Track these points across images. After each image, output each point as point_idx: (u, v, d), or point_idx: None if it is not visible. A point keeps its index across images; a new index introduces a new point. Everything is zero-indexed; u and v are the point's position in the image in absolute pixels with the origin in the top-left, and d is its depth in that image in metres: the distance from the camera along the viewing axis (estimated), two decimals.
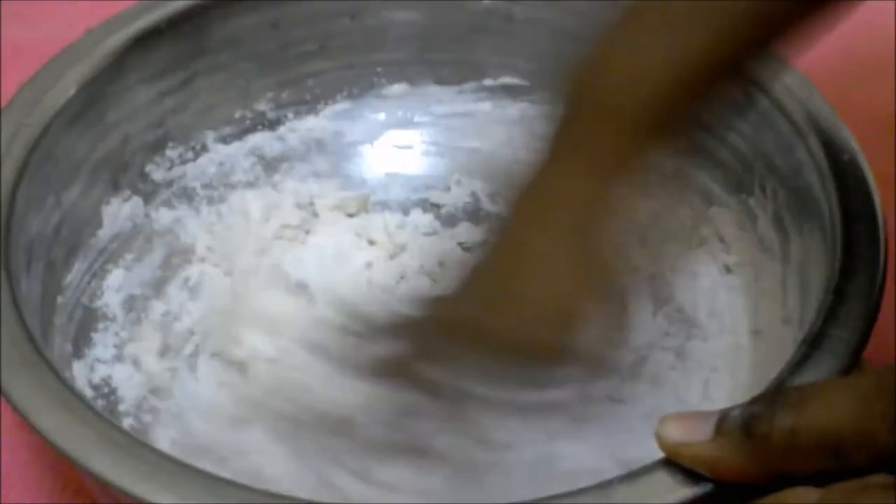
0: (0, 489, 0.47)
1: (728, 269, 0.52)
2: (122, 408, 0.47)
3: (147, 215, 0.53)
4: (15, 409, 0.36)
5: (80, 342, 0.48)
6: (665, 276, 0.51)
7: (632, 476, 0.34)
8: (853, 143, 0.45)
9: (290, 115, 0.57)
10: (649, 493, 0.33)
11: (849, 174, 0.44)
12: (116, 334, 0.49)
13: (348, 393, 0.43)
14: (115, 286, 0.51)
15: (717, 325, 0.50)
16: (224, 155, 0.56)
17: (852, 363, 0.37)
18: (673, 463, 0.33)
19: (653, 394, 0.47)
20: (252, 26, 0.54)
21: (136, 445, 0.35)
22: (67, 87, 0.47)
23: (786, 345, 0.43)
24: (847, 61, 0.64)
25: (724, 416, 0.32)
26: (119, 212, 0.51)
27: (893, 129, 0.59)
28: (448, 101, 0.58)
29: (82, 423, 0.35)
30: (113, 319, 0.50)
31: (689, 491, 0.33)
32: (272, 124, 0.57)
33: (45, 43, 0.61)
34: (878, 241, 0.41)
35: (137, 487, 0.33)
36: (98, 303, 0.50)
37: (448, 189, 0.57)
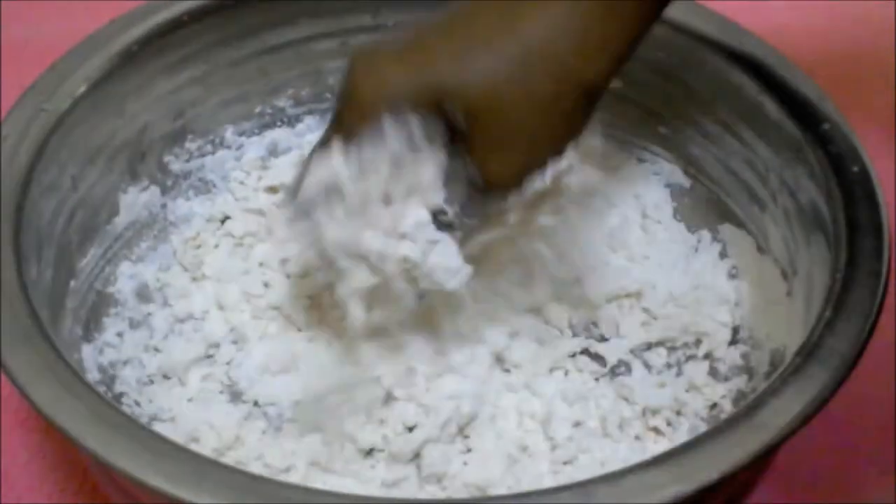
0: (0, 489, 0.48)
1: (735, 278, 0.51)
2: (127, 391, 0.47)
3: (164, 205, 0.54)
4: (13, 382, 0.36)
5: (91, 326, 0.49)
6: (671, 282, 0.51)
7: (613, 476, 0.34)
8: (864, 154, 0.45)
9: (310, 112, 0.58)
10: (630, 493, 0.33)
11: (857, 186, 0.44)
12: (127, 319, 0.50)
13: None
14: (129, 273, 0.52)
15: (722, 332, 0.50)
16: (242, 149, 0.57)
17: (845, 375, 0.37)
18: (654, 464, 0.34)
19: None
20: (274, 21, 0.54)
21: (129, 423, 0.36)
22: (88, 75, 0.48)
23: (787, 353, 0.43)
24: (847, 61, 0.63)
25: None
26: (136, 200, 0.52)
27: (893, 129, 0.59)
28: None
29: (77, 398, 0.36)
30: (125, 305, 0.51)
31: (669, 492, 0.33)
32: (291, 120, 0.58)
33: (45, 43, 0.62)
34: (882, 254, 0.41)
35: (125, 463, 0.34)
36: (111, 288, 0.51)
37: None
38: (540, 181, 0.41)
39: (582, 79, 0.39)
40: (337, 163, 0.40)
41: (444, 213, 0.41)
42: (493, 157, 0.40)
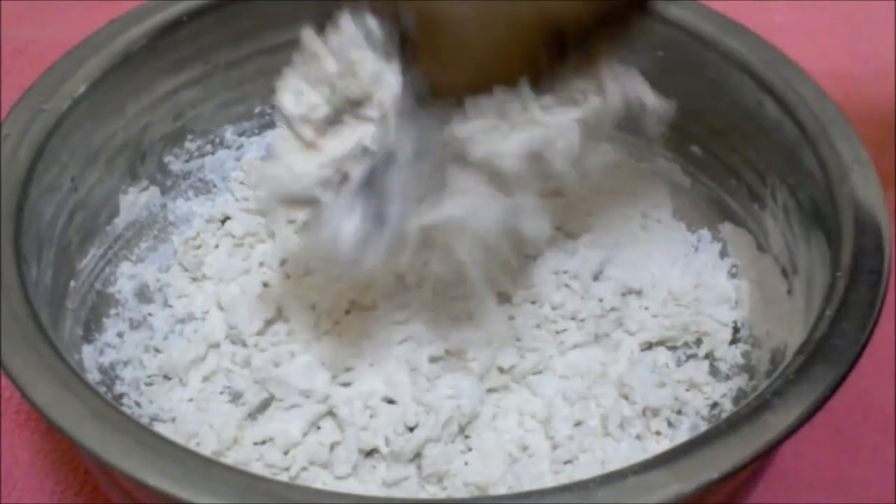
0: (0, 489, 0.48)
1: (735, 277, 0.51)
2: (127, 391, 0.47)
3: (164, 205, 0.54)
4: (13, 383, 0.36)
5: (92, 326, 0.49)
6: (671, 281, 0.51)
7: (614, 476, 0.34)
8: (864, 152, 0.45)
9: None
10: (631, 493, 0.33)
11: (857, 184, 0.43)
12: (128, 320, 0.50)
13: None
14: (129, 273, 0.52)
15: (723, 331, 0.50)
16: (242, 149, 0.57)
17: (846, 374, 0.37)
18: (653, 464, 0.33)
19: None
20: (273, 21, 0.54)
21: (129, 423, 0.36)
22: (87, 76, 0.48)
23: (788, 351, 0.43)
24: (847, 61, 0.63)
25: None
26: (136, 201, 0.53)
27: (893, 129, 0.59)
28: None
29: (78, 399, 0.36)
30: (125, 306, 0.51)
31: (670, 491, 0.33)
32: None
33: (45, 43, 0.62)
34: (883, 252, 0.41)
35: (126, 463, 0.34)
36: (111, 289, 0.51)
37: None
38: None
39: (548, 9, 0.37)
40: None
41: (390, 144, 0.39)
42: (439, 68, 0.39)
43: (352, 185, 0.39)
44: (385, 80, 0.39)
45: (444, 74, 0.39)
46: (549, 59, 0.39)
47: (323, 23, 0.40)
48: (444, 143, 0.40)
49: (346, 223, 0.39)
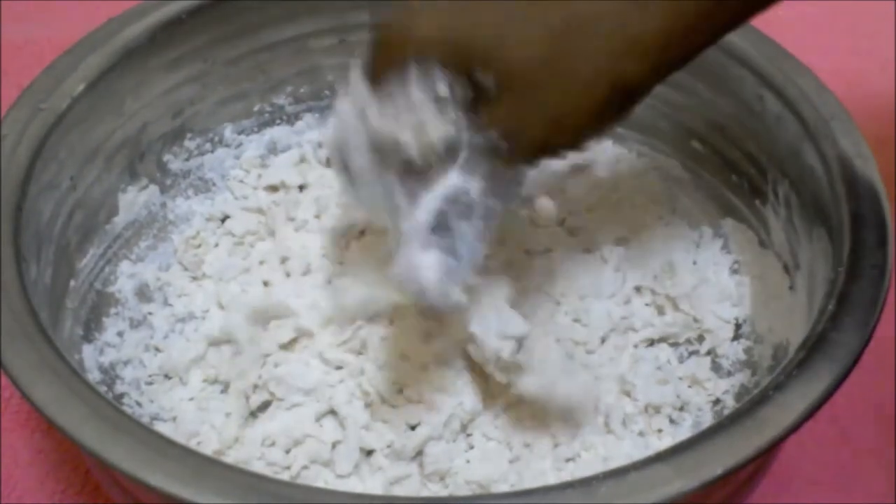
0: (0, 489, 0.48)
1: (737, 273, 0.51)
2: (128, 391, 0.47)
3: (163, 204, 0.54)
4: (14, 383, 0.36)
5: (92, 326, 0.48)
6: (673, 277, 0.51)
7: (616, 473, 0.34)
8: (865, 146, 0.45)
9: (308, 110, 0.58)
10: (633, 489, 0.33)
11: (859, 179, 0.43)
12: (128, 319, 0.50)
13: None
14: (129, 272, 0.52)
15: (725, 327, 0.50)
16: (241, 147, 0.57)
17: (849, 369, 0.37)
18: (655, 461, 0.33)
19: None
20: (272, 19, 0.54)
21: (130, 423, 0.36)
22: (86, 74, 0.48)
23: (791, 347, 0.42)
24: (848, 60, 0.63)
25: None
26: (135, 200, 0.52)
27: (893, 129, 0.59)
28: None
29: (78, 399, 0.36)
30: (125, 305, 0.50)
31: (672, 487, 0.33)
32: (290, 118, 0.58)
33: (44, 42, 0.62)
34: (885, 247, 0.41)
35: (127, 463, 0.34)
36: (111, 288, 0.51)
37: None
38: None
39: (620, 75, 0.37)
40: (358, 89, 0.39)
41: (465, 192, 0.39)
42: (516, 127, 0.38)
43: (425, 226, 0.39)
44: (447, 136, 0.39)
45: (514, 132, 0.38)
46: (613, 114, 0.39)
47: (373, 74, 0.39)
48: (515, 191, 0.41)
49: (424, 260, 0.39)
